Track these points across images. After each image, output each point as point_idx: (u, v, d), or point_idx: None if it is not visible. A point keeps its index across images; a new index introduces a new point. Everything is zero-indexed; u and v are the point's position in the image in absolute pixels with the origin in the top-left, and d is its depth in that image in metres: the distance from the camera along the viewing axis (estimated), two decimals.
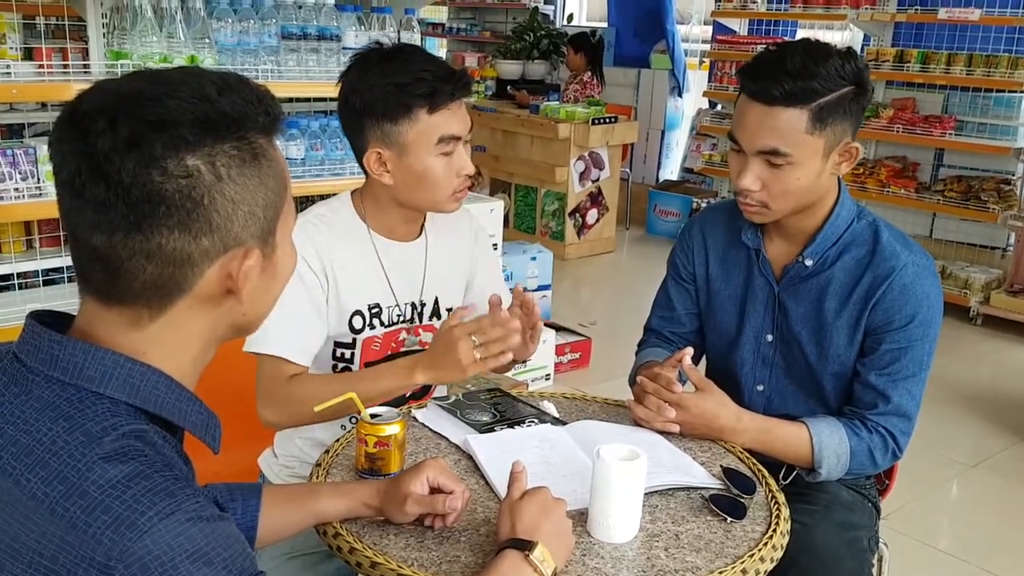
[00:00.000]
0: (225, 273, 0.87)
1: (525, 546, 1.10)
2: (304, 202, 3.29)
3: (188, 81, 0.85)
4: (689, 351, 1.63)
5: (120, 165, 0.80)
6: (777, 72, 1.52)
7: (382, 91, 1.55)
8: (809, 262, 1.68)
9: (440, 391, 1.81)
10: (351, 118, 1.61)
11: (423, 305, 1.73)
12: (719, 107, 7.04)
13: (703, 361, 1.90)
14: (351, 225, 1.67)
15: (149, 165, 0.80)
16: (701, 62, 7.97)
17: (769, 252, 1.73)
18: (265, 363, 1.58)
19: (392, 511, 1.25)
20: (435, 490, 1.25)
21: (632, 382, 1.89)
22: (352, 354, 1.68)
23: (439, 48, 10.24)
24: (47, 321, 0.89)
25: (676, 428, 1.58)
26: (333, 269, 1.62)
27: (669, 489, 1.39)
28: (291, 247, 0.97)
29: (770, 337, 1.74)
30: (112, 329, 0.87)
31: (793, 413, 1.70)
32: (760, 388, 1.77)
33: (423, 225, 1.75)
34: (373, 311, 1.68)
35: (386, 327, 1.70)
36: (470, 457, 1.47)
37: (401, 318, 1.71)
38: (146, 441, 0.82)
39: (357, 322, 1.67)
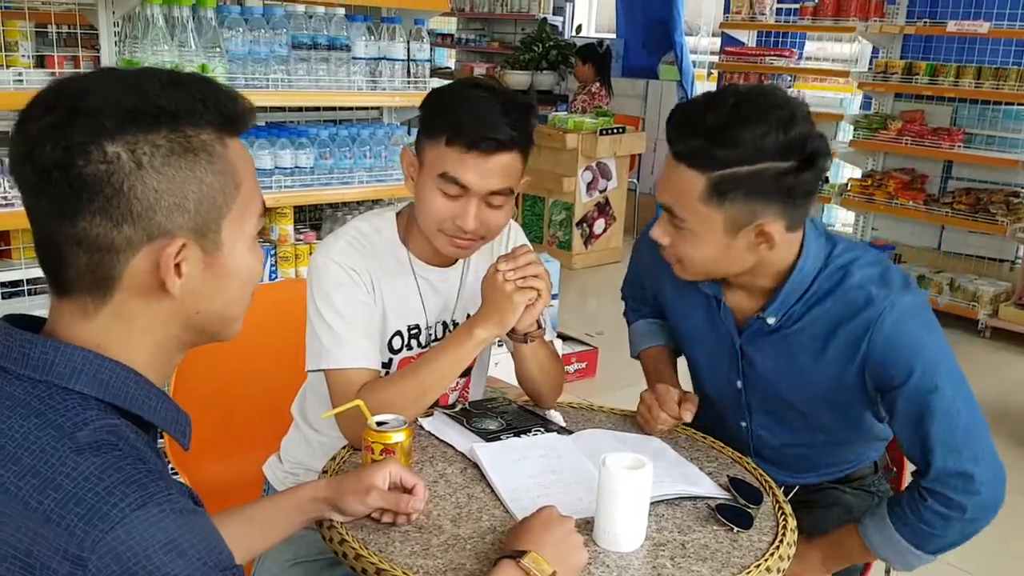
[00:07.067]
0: (154, 264, 0.88)
1: (517, 555, 1.12)
2: (313, 210, 3.32)
3: (135, 76, 0.88)
4: (689, 416, 1.58)
5: (44, 150, 0.83)
6: (689, 124, 1.36)
7: (435, 102, 1.56)
8: (772, 320, 1.51)
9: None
10: None
11: (455, 324, 1.72)
12: None
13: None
14: (392, 247, 1.65)
15: (70, 150, 0.82)
16: (709, 73, 7.97)
17: (729, 300, 1.55)
18: (330, 381, 1.56)
19: (350, 501, 1.26)
20: (392, 488, 1.28)
21: (634, 355, 1.89)
22: (388, 374, 1.66)
23: (448, 58, 10.27)
24: (21, 324, 0.90)
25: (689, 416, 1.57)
26: (381, 289, 1.61)
27: (675, 498, 1.39)
28: (249, 249, 0.95)
29: (739, 383, 1.61)
30: (68, 321, 0.89)
31: (786, 444, 1.65)
32: (743, 424, 1.67)
33: None
34: (412, 332, 1.68)
35: (422, 347, 1.69)
36: (476, 466, 1.46)
37: (433, 338, 1.71)
38: (119, 435, 0.83)
39: (396, 342, 1.66)
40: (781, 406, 1.59)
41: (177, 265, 0.88)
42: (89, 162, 0.83)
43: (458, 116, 1.49)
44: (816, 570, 1.54)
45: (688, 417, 1.59)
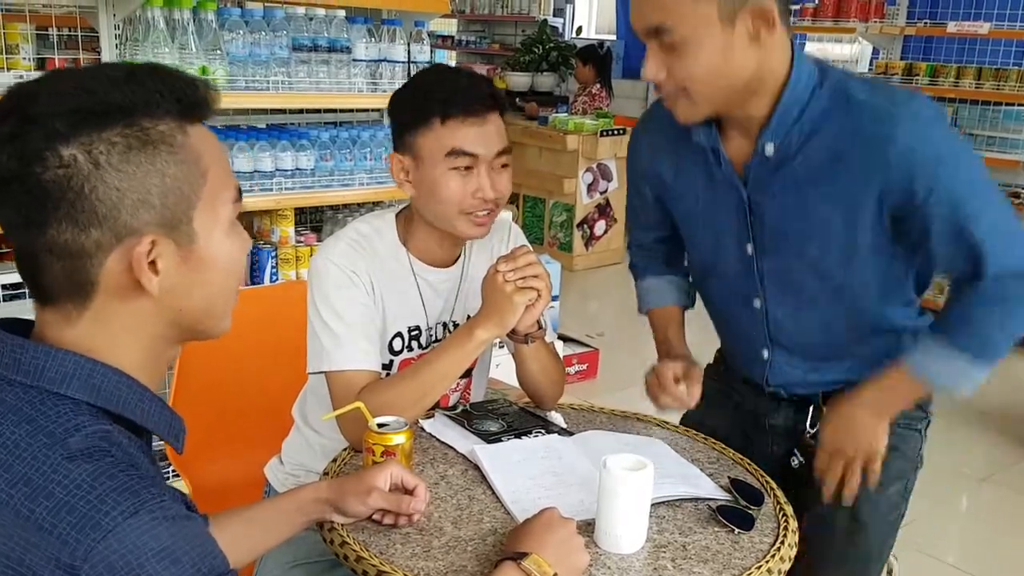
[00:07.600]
0: (127, 265, 0.86)
1: (518, 556, 1.12)
2: (314, 212, 3.32)
3: (86, 75, 0.86)
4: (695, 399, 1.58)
5: (1, 161, 0.82)
6: None
7: (408, 96, 1.60)
8: (770, 148, 1.41)
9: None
10: (392, 129, 1.63)
11: (455, 325, 1.72)
12: None
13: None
14: (392, 248, 1.65)
15: (27, 158, 0.81)
16: None
17: (729, 150, 1.48)
18: (331, 383, 1.56)
19: (351, 502, 1.26)
20: (393, 489, 1.28)
21: (642, 311, 1.85)
22: (389, 375, 1.66)
23: (448, 60, 10.26)
24: (12, 328, 0.90)
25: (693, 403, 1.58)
26: (381, 290, 1.61)
27: (676, 500, 1.39)
28: (228, 236, 0.93)
29: (750, 248, 1.52)
30: (53, 329, 0.88)
31: (805, 326, 1.56)
32: (758, 304, 1.57)
33: (462, 251, 1.72)
34: (413, 333, 1.68)
35: (423, 349, 1.70)
36: (478, 468, 1.46)
37: (433, 339, 1.71)
38: (111, 441, 0.83)
39: (397, 344, 1.67)
40: (795, 269, 1.50)
41: (153, 263, 0.86)
42: (47, 168, 0.81)
43: (442, 94, 1.54)
44: (868, 429, 1.48)
45: (693, 403, 1.59)
